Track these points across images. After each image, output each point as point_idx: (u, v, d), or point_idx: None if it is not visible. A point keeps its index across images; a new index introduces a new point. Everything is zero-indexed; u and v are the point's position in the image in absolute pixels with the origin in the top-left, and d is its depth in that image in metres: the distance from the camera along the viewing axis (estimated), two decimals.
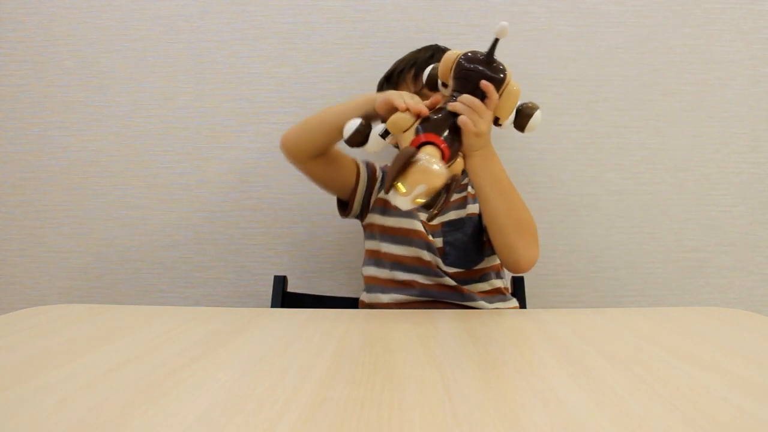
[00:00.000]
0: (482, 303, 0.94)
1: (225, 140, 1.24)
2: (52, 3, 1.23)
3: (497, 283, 0.98)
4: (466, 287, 0.95)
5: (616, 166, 1.24)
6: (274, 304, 1.06)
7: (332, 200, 1.05)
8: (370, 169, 1.03)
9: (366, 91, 1.22)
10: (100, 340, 0.62)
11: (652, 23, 1.23)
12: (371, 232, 1.02)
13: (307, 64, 1.23)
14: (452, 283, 0.94)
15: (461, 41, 1.21)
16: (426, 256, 0.95)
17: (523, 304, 1.08)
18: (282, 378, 0.49)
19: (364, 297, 1.01)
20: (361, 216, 1.04)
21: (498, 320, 0.73)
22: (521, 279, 1.11)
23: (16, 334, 0.66)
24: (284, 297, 1.06)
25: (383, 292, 0.97)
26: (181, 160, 1.24)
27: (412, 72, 1.01)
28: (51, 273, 1.26)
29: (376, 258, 1.00)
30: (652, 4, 1.23)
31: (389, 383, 0.48)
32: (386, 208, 1.00)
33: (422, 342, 0.64)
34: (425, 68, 0.86)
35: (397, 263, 0.97)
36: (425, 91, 0.87)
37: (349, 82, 1.23)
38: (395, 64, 1.06)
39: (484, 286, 0.97)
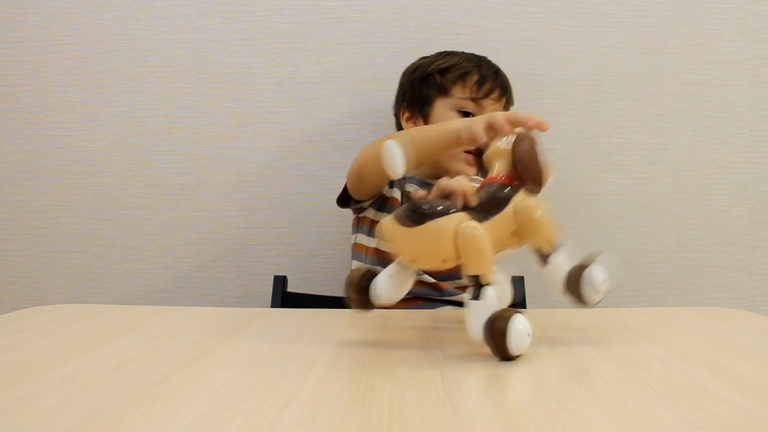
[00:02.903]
0: (465, 296, 0.94)
1: (225, 140, 1.24)
2: (52, 3, 1.23)
3: None
4: (446, 282, 0.96)
5: (616, 166, 1.24)
6: (274, 304, 1.06)
7: (332, 200, 1.04)
8: None
9: (365, 91, 1.23)
10: (100, 340, 0.62)
11: (652, 23, 1.23)
12: (363, 225, 1.02)
13: (307, 64, 1.23)
14: (431, 280, 0.95)
15: (461, 41, 1.21)
16: None
17: (523, 304, 1.08)
18: (282, 378, 0.49)
19: None
20: (360, 209, 1.03)
21: None
22: (521, 279, 1.11)
23: (16, 334, 0.66)
24: (284, 297, 1.06)
25: None
26: (181, 160, 1.24)
27: (476, 78, 1.01)
28: (51, 273, 1.26)
29: (365, 253, 1.00)
30: (652, 4, 1.23)
31: (389, 383, 0.48)
32: (383, 204, 1.00)
33: (422, 342, 0.64)
34: (491, 80, 1.00)
35: (379, 259, 0.97)
36: (483, 101, 0.99)
37: (349, 82, 1.22)
38: (437, 61, 1.05)
39: (463, 281, 0.97)
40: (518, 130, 0.67)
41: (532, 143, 0.63)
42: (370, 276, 0.61)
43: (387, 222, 0.58)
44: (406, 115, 1.06)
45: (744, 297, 1.26)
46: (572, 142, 1.24)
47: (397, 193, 1.00)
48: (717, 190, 1.25)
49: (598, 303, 0.60)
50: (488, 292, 0.55)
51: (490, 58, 1.13)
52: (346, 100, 1.23)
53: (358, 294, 0.60)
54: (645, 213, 1.25)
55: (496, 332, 0.53)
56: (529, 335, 0.54)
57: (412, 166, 0.93)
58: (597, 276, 0.59)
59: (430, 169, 1.01)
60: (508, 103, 1.06)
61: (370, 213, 1.01)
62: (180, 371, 0.51)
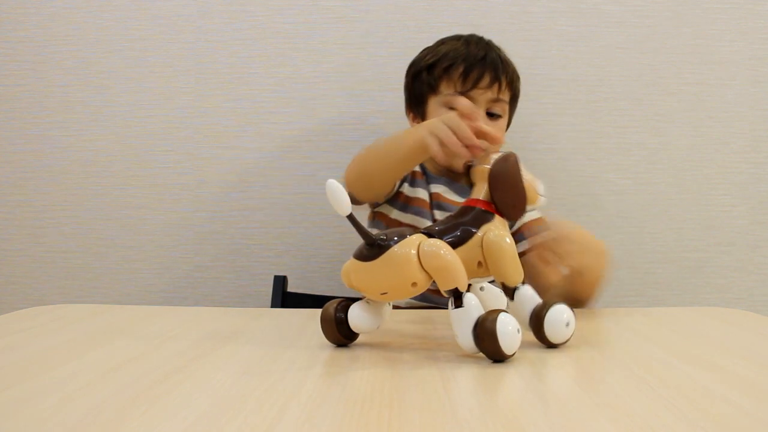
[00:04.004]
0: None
1: (225, 140, 1.24)
2: (52, 3, 1.23)
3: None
4: None
5: (616, 166, 1.24)
6: (274, 304, 1.06)
7: None
8: None
9: (365, 91, 1.22)
10: (100, 340, 0.62)
11: (652, 23, 1.23)
12: (378, 220, 1.00)
13: (307, 64, 1.23)
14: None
15: None
16: None
17: None
18: (282, 378, 0.49)
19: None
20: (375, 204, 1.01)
21: None
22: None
23: (16, 334, 0.66)
24: (284, 297, 1.07)
25: None
26: (181, 160, 1.24)
27: (461, 69, 0.96)
28: (51, 273, 1.26)
29: None
30: (652, 4, 1.23)
31: (389, 383, 0.48)
32: (407, 204, 0.98)
33: (422, 342, 0.64)
34: (478, 67, 0.93)
35: None
36: (472, 92, 0.94)
37: (349, 82, 1.22)
38: (427, 56, 1.01)
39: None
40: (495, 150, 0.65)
41: (510, 168, 0.61)
42: (344, 307, 0.59)
43: (349, 265, 0.57)
44: (411, 115, 1.05)
45: (744, 297, 1.26)
46: (572, 142, 1.24)
47: (421, 193, 0.98)
48: (717, 190, 1.25)
49: (563, 344, 0.59)
50: (469, 299, 0.54)
51: None
52: (346, 100, 1.23)
53: (338, 326, 0.59)
54: (645, 213, 1.25)
55: (485, 335, 0.52)
56: (519, 332, 0.54)
57: (385, 185, 0.91)
58: (563, 315, 0.58)
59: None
60: (503, 85, 0.98)
61: (385, 209, 0.99)
62: (180, 371, 0.51)
